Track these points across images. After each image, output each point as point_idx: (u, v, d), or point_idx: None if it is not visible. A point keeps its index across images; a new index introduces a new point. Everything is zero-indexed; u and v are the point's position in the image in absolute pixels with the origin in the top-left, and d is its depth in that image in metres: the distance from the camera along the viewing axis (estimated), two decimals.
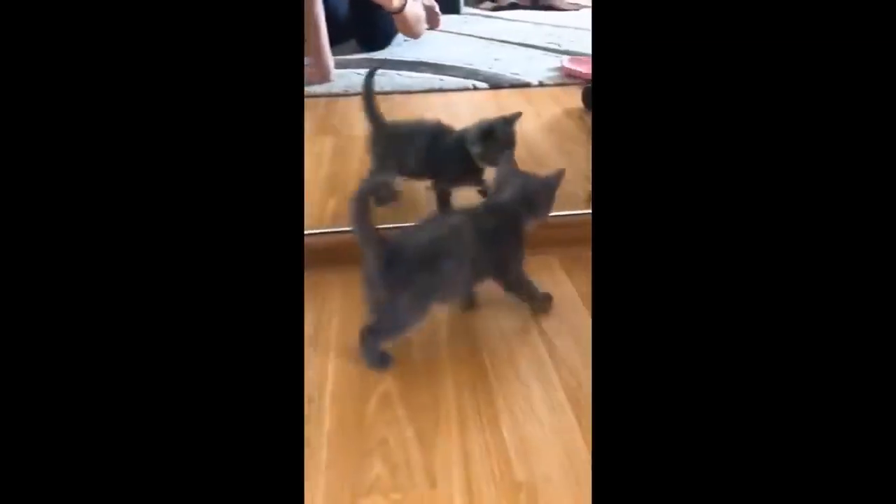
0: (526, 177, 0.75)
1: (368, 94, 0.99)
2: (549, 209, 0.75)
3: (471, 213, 0.72)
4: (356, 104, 1.52)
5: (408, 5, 1.68)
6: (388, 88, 1.59)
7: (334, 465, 0.58)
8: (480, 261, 0.69)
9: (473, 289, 0.76)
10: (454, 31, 2.14)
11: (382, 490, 0.55)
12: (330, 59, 1.65)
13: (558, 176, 0.75)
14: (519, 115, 0.93)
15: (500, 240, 0.71)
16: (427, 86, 1.60)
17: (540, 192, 0.73)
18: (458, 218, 0.71)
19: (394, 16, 1.72)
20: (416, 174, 0.99)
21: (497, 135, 0.89)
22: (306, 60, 1.70)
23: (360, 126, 1.38)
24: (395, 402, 0.65)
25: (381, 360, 0.69)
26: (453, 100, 1.54)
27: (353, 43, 1.90)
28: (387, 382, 0.67)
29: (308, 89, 1.59)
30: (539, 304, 0.78)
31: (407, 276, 0.65)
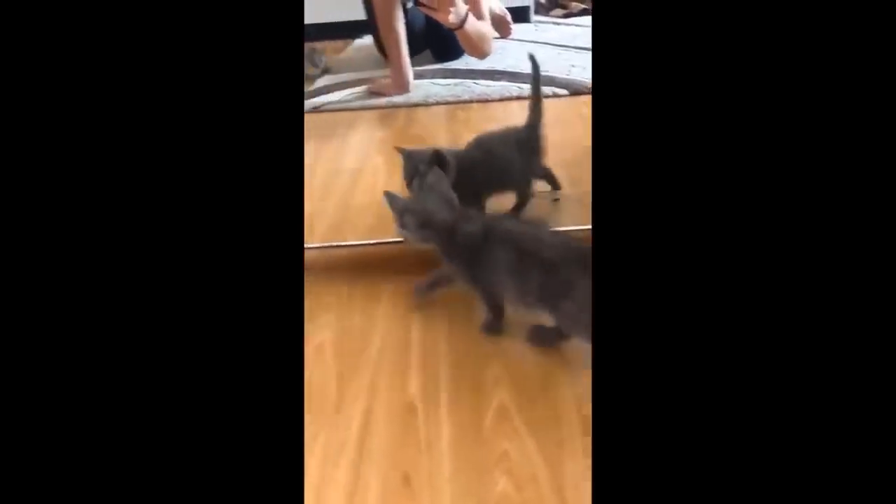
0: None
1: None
2: None
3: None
4: (436, 113, 1.54)
5: (469, 23, 1.64)
6: (465, 97, 1.60)
7: (457, 478, 0.57)
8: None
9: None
10: (526, 39, 2.13)
11: None
12: (409, 71, 1.67)
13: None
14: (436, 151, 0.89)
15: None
16: (505, 94, 1.59)
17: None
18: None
19: (456, 33, 1.70)
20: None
21: (446, 161, 0.88)
22: (385, 73, 1.73)
23: (443, 135, 1.39)
24: (513, 414, 0.63)
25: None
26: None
27: (428, 54, 1.92)
28: (501, 394, 0.66)
29: (388, 100, 1.62)
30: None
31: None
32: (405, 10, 1.73)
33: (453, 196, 0.77)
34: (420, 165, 0.89)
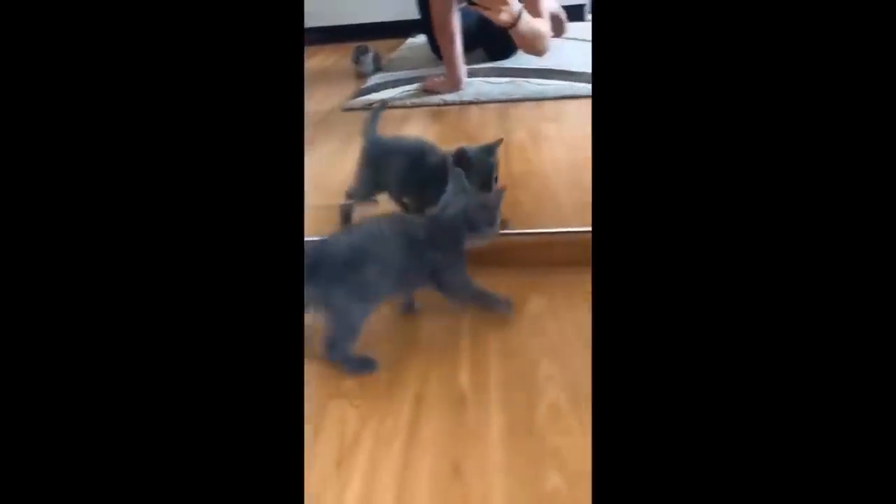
0: (468, 195, 0.76)
1: (375, 114, 0.99)
2: (492, 227, 0.75)
3: (399, 221, 0.75)
4: (489, 111, 1.54)
5: (523, 21, 1.62)
6: (516, 96, 1.59)
7: (511, 471, 0.56)
8: (411, 268, 0.71)
9: (410, 294, 0.79)
10: (581, 38, 2.10)
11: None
12: (463, 70, 1.68)
13: (497, 195, 0.75)
14: (500, 142, 0.90)
15: (432, 250, 0.72)
16: (559, 93, 1.57)
17: (478, 210, 0.74)
18: (380, 224, 0.73)
19: (510, 31, 1.69)
20: (396, 194, 0.97)
21: (472, 162, 0.86)
22: (437, 71, 1.74)
23: (494, 132, 1.39)
24: (566, 411, 0.62)
25: (361, 365, 0.70)
26: (587, 107, 1.50)
27: (480, 52, 1.92)
28: (553, 392, 0.65)
29: (442, 98, 1.62)
30: (498, 308, 0.77)
31: (331, 280, 0.67)
32: (460, 9, 1.73)
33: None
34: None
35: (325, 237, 0.72)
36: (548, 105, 1.53)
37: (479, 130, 1.43)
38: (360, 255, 0.68)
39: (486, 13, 1.61)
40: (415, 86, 1.74)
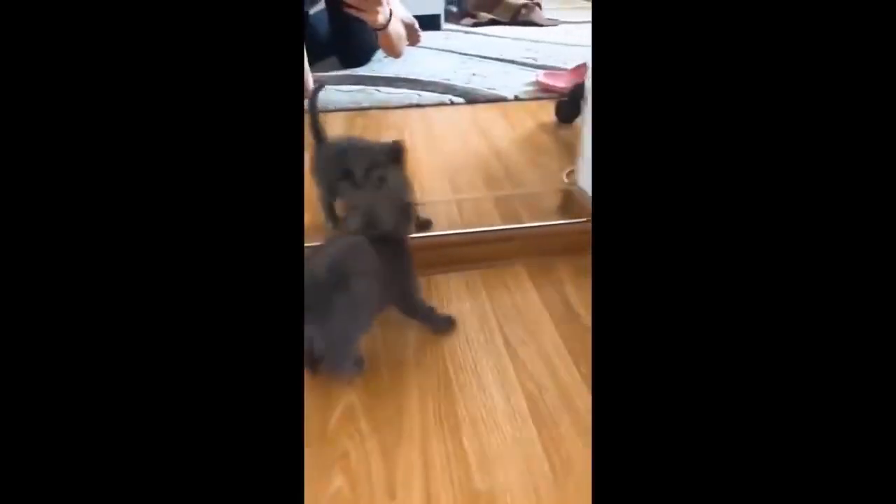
0: (369, 201, 0.72)
1: (314, 112, 0.96)
2: (404, 226, 0.72)
3: (365, 239, 0.68)
4: (337, 119, 1.55)
5: (392, 24, 1.69)
6: (365, 104, 1.62)
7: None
8: (383, 284, 0.68)
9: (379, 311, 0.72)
10: (435, 47, 2.18)
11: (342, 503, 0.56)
12: (308, 77, 1.67)
13: (397, 192, 0.72)
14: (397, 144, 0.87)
15: (388, 265, 0.69)
16: (405, 101, 1.62)
17: (381, 212, 0.71)
18: (356, 238, 0.68)
19: (378, 33, 1.74)
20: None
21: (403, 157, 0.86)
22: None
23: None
24: (359, 414, 0.65)
25: (355, 364, 0.70)
26: (431, 115, 1.57)
27: (333, 60, 1.93)
28: (350, 395, 0.68)
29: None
30: (439, 326, 0.77)
31: (319, 296, 0.62)
32: (306, 17, 1.73)
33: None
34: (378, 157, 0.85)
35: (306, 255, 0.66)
36: (393, 113, 1.57)
37: None
38: (347, 269, 0.64)
39: (361, 15, 1.63)
40: None
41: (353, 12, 1.62)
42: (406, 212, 0.73)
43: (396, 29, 1.73)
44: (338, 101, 1.64)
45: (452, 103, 1.60)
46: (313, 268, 0.63)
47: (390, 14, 1.63)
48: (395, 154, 0.86)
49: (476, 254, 0.91)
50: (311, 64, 1.68)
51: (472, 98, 1.62)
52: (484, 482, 0.57)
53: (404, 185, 0.87)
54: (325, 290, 0.62)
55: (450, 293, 0.85)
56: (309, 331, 0.63)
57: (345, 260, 0.65)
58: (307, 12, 1.76)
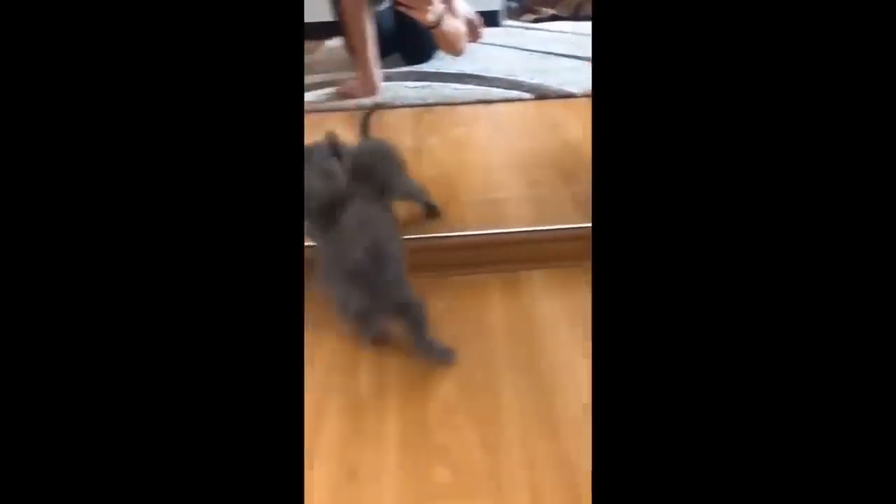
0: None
1: (365, 119, 1.00)
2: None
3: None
4: (403, 115, 1.56)
5: (445, 22, 1.68)
6: (431, 100, 1.62)
7: (402, 468, 0.58)
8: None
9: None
10: (496, 43, 2.16)
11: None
12: (378, 73, 1.69)
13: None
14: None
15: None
16: (472, 97, 1.62)
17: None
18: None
19: (432, 31, 1.73)
20: None
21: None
22: (353, 74, 1.74)
23: (406, 136, 1.41)
24: (458, 408, 0.65)
25: (444, 354, 0.70)
26: (499, 111, 1.56)
27: (396, 56, 1.94)
28: (446, 387, 0.68)
29: (357, 102, 1.63)
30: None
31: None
32: (375, 13, 1.74)
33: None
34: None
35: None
36: (461, 109, 1.57)
37: (393, 135, 1.44)
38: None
39: (412, 13, 1.63)
40: (332, 89, 1.74)
41: (403, 10, 1.63)
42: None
43: (453, 28, 1.72)
44: (405, 96, 1.65)
45: (520, 99, 1.59)
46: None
47: (443, 12, 1.62)
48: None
49: (556, 251, 0.90)
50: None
51: (540, 94, 1.60)
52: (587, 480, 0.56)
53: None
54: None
55: (533, 290, 0.84)
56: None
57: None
58: (377, 8, 1.78)
